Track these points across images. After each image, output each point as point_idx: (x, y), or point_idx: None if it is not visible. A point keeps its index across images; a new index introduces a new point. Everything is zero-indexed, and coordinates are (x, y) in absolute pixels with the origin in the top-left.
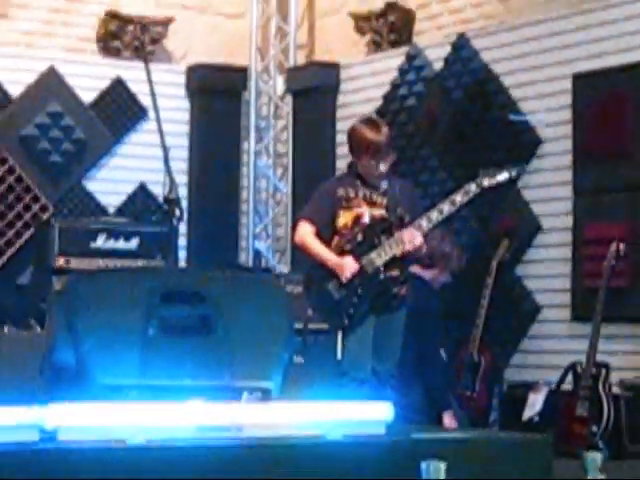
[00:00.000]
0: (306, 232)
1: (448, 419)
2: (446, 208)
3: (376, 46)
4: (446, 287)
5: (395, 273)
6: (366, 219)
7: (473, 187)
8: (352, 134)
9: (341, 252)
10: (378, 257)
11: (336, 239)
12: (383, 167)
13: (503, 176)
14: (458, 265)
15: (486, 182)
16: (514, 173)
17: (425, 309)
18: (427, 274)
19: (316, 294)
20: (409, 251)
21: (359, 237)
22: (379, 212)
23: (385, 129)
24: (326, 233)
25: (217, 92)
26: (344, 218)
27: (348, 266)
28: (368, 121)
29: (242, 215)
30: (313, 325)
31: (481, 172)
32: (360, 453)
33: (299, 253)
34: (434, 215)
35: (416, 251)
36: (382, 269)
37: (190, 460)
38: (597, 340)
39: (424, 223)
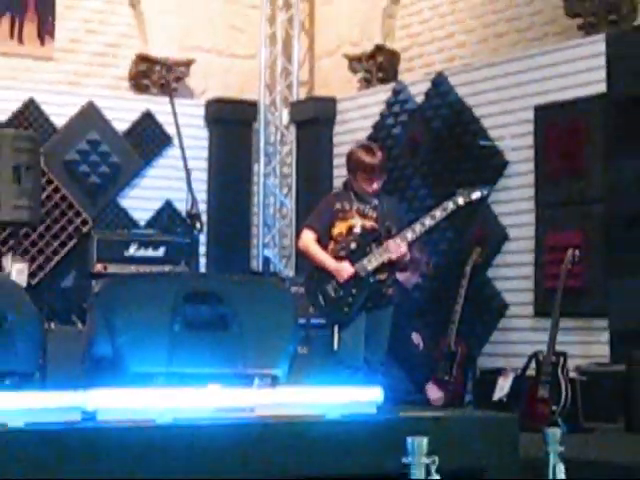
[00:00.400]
0: (309, 239)
1: (430, 388)
2: (427, 222)
3: (367, 83)
4: (425, 288)
5: (383, 277)
6: (358, 229)
7: (450, 204)
8: (351, 157)
9: (336, 257)
10: (369, 263)
11: (332, 245)
12: (376, 185)
13: (476, 195)
14: (426, 268)
15: (461, 200)
16: (485, 192)
17: (399, 306)
18: (401, 277)
19: (316, 293)
20: (395, 258)
21: (352, 245)
22: (370, 223)
23: (379, 153)
24: (324, 240)
25: (231, 123)
26: (339, 228)
27: (345, 270)
28: (365, 146)
29: (253, 227)
30: (314, 320)
31: (457, 191)
32: (355, 430)
33: (302, 259)
34: (417, 227)
35: (401, 258)
36: (373, 273)
37: (210, 436)
38: (556, 332)
39: (409, 234)
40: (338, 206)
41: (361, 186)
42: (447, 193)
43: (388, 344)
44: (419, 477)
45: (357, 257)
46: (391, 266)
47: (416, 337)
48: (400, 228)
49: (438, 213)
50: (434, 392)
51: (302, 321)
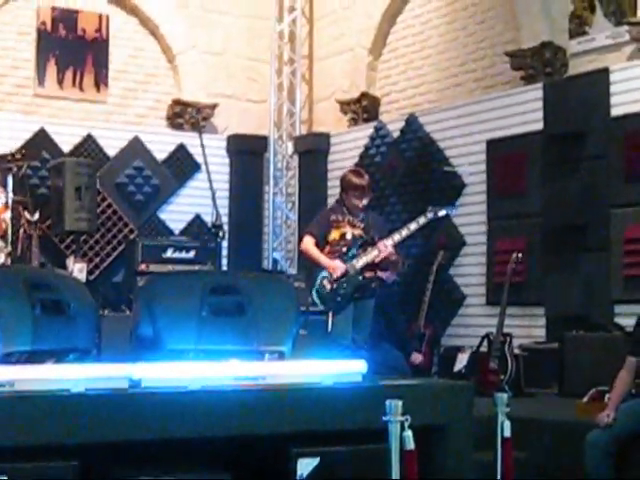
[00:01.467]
0: (309, 243)
1: (415, 356)
2: (404, 232)
3: (354, 122)
4: (401, 282)
5: (369, 274)
6: (349, 236)
7: (422, 219)
8: (343, 179)
9: (331, 258)
10: (357, 263)
11: (328, 248)
12: (365, 202)
13: (442, 212)
14: (402, 268)
15: (431, 215)
16: (450, 211)
17: (384, 296)
18: (383, 275)
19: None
20: (383, 256)
21: (344, 249)
22: (358, 232)
23: (366, 177)
24: (321, 244)
25: (247, 153)
26: (333, 235)
27: (338, 267)
28: (354, 171)
29: (264, 235)
30: (312, 308)
31: (428, 209)
32: (344, 395)
33: (303, 260)
34: (396, 237)
35: (387, 257)
36: (360, 271)
37: (230, 399)
38: (503, 318)
39: (389, 241)
40: (333, 217)
41: (352, 202)
42: (418, 208)
43: (380, 326)
44: (395, 432)
45: (347, 258)
46: (375, 266)
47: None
48: (382, 237)
49: (412, 226)
50: (417, 358)
51: (303, 309)
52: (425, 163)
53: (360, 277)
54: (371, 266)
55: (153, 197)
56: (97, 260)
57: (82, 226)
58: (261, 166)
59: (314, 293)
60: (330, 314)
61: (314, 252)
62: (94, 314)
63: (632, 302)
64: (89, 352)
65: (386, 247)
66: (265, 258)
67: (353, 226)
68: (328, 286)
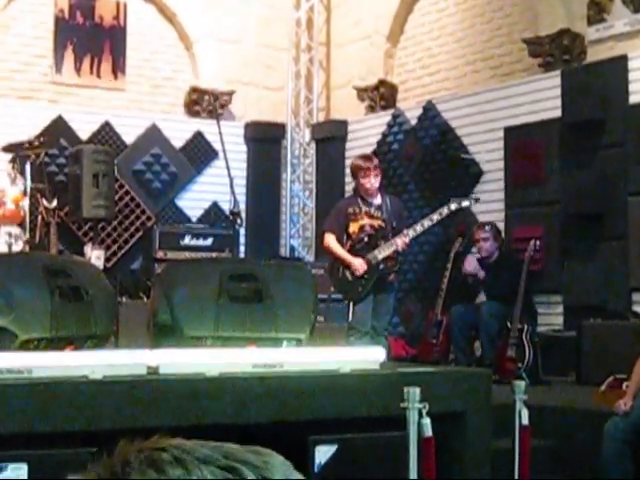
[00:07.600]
0: (330, 240)
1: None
2: (426, 223)
3: (371, 109)
4: (418, 270)
5: (390, 264)
6: (368, 228)
7: (445, 210)
8: (352, 165)
9: (353, 250)
10: (379, 254)
11: (349, 241)
12: (374, 181)
13: (466, 203)
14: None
15: (454, 206)
16: (473, 202)
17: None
18: (398, 242)
19: (336, 277)
20: (400, 250)
21: (365, 239)
22: (377, 222)
23: (374, 159)
24: (342, 237)
25: (265, 140)
26: (352, 227)
27: (360, 267)
28: (361, 155)
29: (282, 222)
30: (333, 296)
31: (451, 199)
32: (363, 382)
33: (320, 247)
34: (418, 227)
35: (404, 250)
36: (381, 262)
37: (248, 386)
38: (521, 305)
39: (411, 232)
40: (350, 210)
41: (363, 186)
42: (435, 196)
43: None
44: (413, 419)
45: (368, 249)
46: (396, 255)
47: (468, 262)
48: (400, 222)
49: (435, 216)
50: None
51: (324, 296)
52: (443, 151)
53: (381, 267)
54: (393, 255)
55: (171, 184)
56: (115, 247)
57: (100, 213)
58: (278, 153)
59: (335, 283)
60: (351, 303)
61: (337, 250)
62: (112, 301)
63: None
64: (107, 339)
65: (403, 242)
66: (282, 245)
67: (371, 217)
68: (350, 277)
